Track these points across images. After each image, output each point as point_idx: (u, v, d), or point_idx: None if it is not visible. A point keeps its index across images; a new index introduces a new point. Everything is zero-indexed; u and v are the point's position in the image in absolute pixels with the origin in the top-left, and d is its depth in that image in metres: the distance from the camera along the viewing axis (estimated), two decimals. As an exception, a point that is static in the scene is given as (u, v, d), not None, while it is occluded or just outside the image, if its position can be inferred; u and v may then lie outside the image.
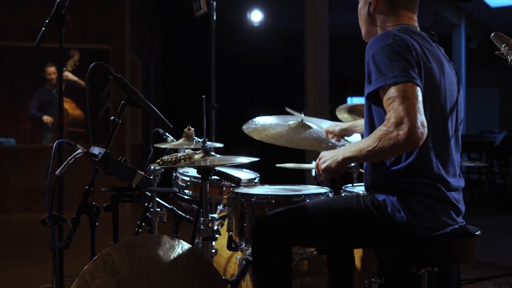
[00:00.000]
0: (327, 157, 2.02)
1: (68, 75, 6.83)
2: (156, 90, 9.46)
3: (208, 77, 4.19)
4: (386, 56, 1.85)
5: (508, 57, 2.11)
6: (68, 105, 6.92)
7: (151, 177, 2.86)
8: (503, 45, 2.14)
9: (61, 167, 1.67)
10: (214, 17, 4.12)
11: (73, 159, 1.72)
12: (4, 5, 6.73)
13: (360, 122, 2.63)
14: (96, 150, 1.81)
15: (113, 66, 6.72)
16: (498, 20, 11.92)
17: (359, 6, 2.22)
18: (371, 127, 2.00)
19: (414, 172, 1.91)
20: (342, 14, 8.65)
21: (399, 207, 1.90)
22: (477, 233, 2.01)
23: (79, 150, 1.75)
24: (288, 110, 3.26)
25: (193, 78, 8.85)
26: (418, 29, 2.10)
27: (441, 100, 1.98)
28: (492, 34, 2.15)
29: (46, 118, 6.97)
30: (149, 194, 3.06)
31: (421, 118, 1.76)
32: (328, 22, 7.26)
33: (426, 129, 1.77)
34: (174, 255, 2.01)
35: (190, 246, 2.09)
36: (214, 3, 4.04)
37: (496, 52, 2.17)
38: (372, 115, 1.99)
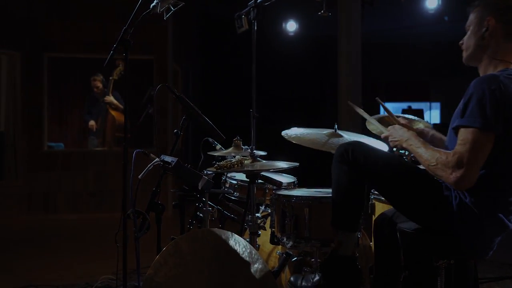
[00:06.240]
0: (396, 137, 2.36)
1: (112, 100, 7.34)
2: (194, 96, 9.82)
3: (249, 89, 4.46)
4: (484, 100, 2.01)
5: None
6: (115, 113, 7.40)
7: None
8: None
9: (143, 172, 2.06)
10: (255, 35, 4.45)
11: (152, 166, 2.11)
12: (56, 20, 7.22)
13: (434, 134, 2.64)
14: (168, 158, 2.19)
15: (156, 75, 7.19)
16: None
17: (471, 29, 2.28)
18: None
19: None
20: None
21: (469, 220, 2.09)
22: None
23: (156, 159, 2.13)
24: (351, 104, 3.16)
25: (228, 85, 9.21)
26: None
27: None
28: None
29: (91, 124, 7.51)
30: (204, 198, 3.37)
31: (476, 170, 2.00)
32: (360, 29, 7.25)
33: (473, 180, 2.01)
34: (228, 245, 2.38)
35: (242, 238, 2.45)
36: (255, 22, 4.37)
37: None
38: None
